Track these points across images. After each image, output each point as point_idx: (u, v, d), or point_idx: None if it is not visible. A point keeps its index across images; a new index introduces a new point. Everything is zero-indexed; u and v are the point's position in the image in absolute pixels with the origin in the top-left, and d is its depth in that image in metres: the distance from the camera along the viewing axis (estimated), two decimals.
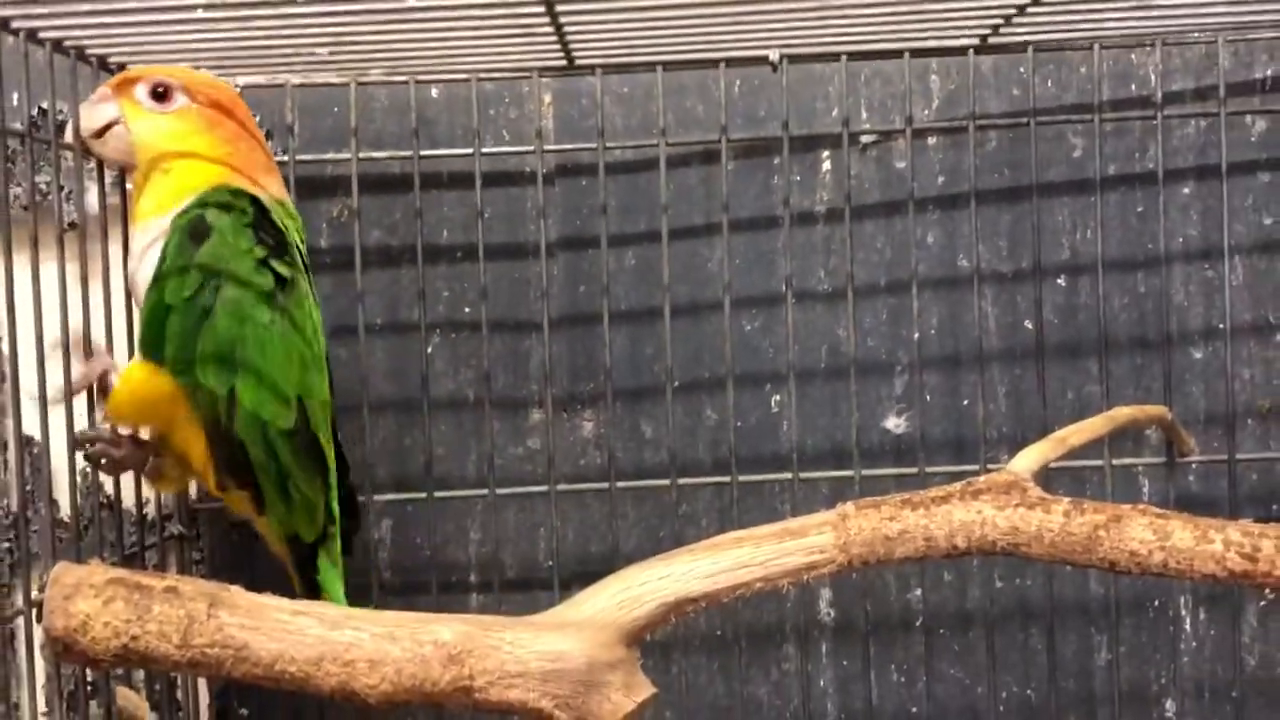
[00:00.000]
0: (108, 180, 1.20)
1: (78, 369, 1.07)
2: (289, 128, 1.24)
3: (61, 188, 1.09)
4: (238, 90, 1.14)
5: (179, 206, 1.05)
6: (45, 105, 1.11)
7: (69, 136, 1.08)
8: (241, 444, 1.04)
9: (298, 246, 1.09)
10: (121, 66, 1.16)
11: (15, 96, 1.12)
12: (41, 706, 1.21)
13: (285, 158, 1.23)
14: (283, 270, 1.05)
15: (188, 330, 1.02)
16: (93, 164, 1.18)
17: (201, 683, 1.28)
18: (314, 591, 1.10)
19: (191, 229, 1.03)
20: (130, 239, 1.09)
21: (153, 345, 1.03)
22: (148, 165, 1.07)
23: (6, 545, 1.22)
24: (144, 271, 1.06)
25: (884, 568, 1.20)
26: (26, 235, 1.02)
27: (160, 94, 1.07)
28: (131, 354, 1.13)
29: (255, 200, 1.07)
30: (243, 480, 1.06)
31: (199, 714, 1.28)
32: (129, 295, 1.13)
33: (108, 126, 1.07)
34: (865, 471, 1.25)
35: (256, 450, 1.04)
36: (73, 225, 1.17)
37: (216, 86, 1.10)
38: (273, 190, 1.11)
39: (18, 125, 1.07)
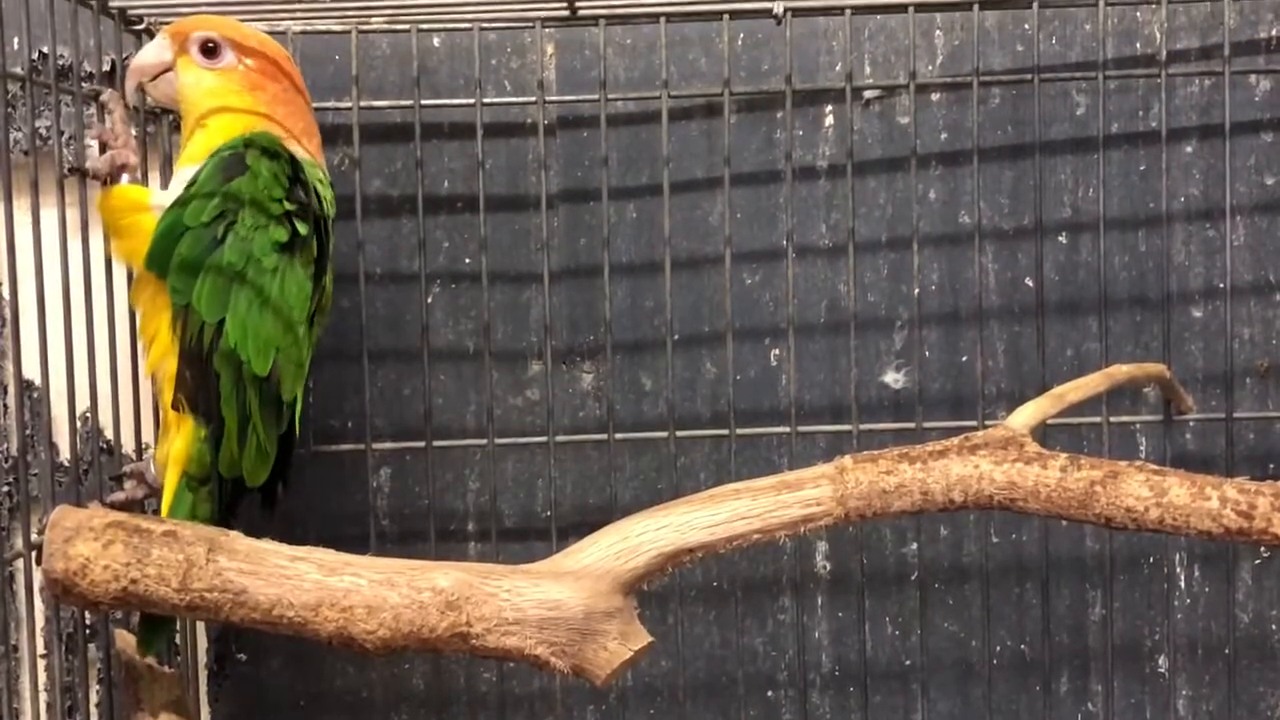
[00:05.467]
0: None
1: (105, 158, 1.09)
2: None
3: (62, 133, 1.09)
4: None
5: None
6: (46, 49, 1.10)
7: (131, 70, 1.10)
8: (217, 375, 1.05)
9: (323, 217, 1.10)
10: (122, 11, 1.16)
11: (16, 40, 1.11)
12: (40, 649, 1.22)
13: None
14: (301, 229, 1.07)
15: (195, 253, 1.03)
16: (93, 110, 1.18)
17: (200, 627, 1.29)
18: None
19: (228, 162, 1.05)
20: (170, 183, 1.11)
21: (158, 260, 1.04)
22: (190, 116, 1.11)
23: (6, 489, 1.23)
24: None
25: (880, 521, 1.20)
26: (27, 180, 1.02)
27: (209, 49, 1.09)
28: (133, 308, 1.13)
29: (294, 160, 1.08)
30: (205, 409, 1.05)
31: (198, 659, 1.28)
32: None
33: (160, 72, 1.10)
34: (863, 426, 1.25)
35: (227, 385, 1.05)
36: (73, 171, 1.16)
37: (265, 47, 1.11)
38: (310, 152, 1.12)
39: (18, 69, 1.06)
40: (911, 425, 1.25)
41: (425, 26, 1.24)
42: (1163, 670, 1.32)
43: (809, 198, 1.31)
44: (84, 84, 1.16)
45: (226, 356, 1.04)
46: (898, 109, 1.30)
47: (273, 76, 1.11)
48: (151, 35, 1.20)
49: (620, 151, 1.30)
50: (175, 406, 1.05)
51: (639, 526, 0.96)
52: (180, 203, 1.04)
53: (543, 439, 1.27)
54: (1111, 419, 1.25)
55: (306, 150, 1.12)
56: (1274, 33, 1.29)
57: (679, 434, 1.26)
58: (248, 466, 1.07)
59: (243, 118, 1.09)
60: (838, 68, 1.29)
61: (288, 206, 1.06)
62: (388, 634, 0.90)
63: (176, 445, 1.06)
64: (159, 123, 1.21)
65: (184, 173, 1.08)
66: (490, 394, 1.26)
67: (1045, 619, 1.28)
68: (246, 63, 1.10)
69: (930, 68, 1.30)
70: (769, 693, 1.33)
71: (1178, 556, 1.32)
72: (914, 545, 1.31)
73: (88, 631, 1.22)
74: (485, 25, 1.23)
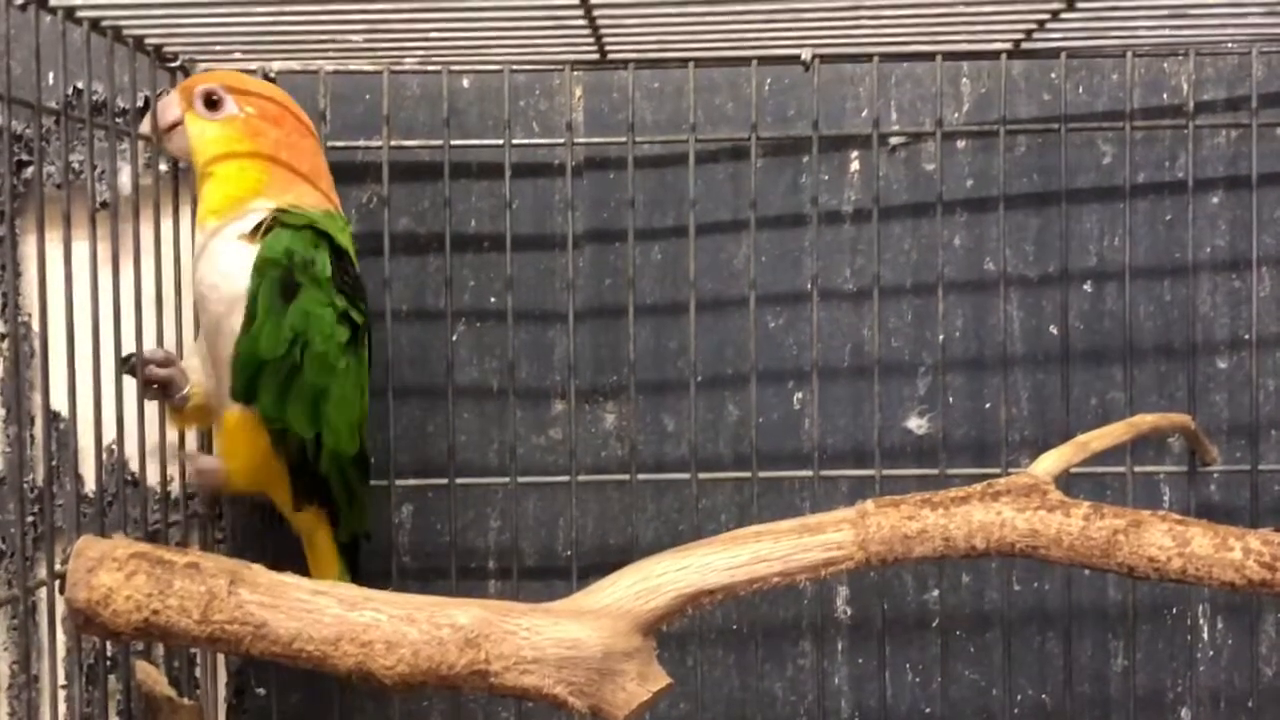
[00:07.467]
0: (141, 161, 1.21)
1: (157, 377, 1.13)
2: (321, 114, 1.24)
3: (95, 167, 1.10)
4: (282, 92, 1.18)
5: (238, 217, 1.11)
6: (80, 85, 1.12)
7: (144, 128, 1.15)
8: (324, 478, 1.12)
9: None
10: (158, 48, 1.17)
11: (51, 76, 1.13)
12: (61, 679, 1.22)
13: None
14: (357, 318, 1.12)
15: (280, 383, 1.09)
16: (125, 144, 1.19)
17: (220, 660, 1.29)
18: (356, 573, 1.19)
19: (282, 284, 1.09)
20: (194, 235, 1.16)
21: (245, 392, 1.10)
22: (201, 167, 1.14)
23: (31, 519, 1.23)
24: (203, 269, 1.12)
25: (902, 566, 1.20)
26: (59, 213, 1.03)
27: (212, 102, 1.13)
28: (159, 329, 1.14)
29: (329, 238, 1.12)
30: (320, 501, 1.14)
31: (217, 691, 1.29)
32: (160, 276, 1.15)
33: (172, 126, 1.14)
34: (886, 471, 1.25)
35: (336, 481, 1.13)
36: (105, 205, 1.18)
37: (266, 93, 1.15)
38: (317, 197, 1.15)
39: (53, 104, 1.08)
40: (934, 471, 1.25)
41: (456, 68, 1.25)
42: None
43: (834, 242, 1.31)
44: (118, 119, 1.17)
45: (330, 460, 1.12)
46: (923, 156, 1.31)
47: (275, 121, 1.13)
48: (186, 72, 1.22)
49: (647, 193, 1.31)
50: (299, 509, 1.14)
51: (659, 567, 0.96)
52: (251, 334, 1.08)
53: (565, 478, 1.27)
54: (1135, 469, 1.25)
55: (320, 192, 1.15)
56: None
57: (701, 476, 1.26)
58: (359, 524, 1.18)
59: (247, 164, 1.12)
60: (864, 114, 1.30)
61: (340, 306, 1.10)
62: (406, 670, 0.90)
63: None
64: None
65: (205, 227, 1.12)
66: (514, 432, 1.26)
67: (1067, 668, 1.27)
68: (248, 110, 1.12)
69: (957, 115, 1.30)
70: None
71: (1201, 608, 1.31)
72: (935, 592, 1.31)
73: (109, 663, 1.22)
74: (515, 68, 1.24)
